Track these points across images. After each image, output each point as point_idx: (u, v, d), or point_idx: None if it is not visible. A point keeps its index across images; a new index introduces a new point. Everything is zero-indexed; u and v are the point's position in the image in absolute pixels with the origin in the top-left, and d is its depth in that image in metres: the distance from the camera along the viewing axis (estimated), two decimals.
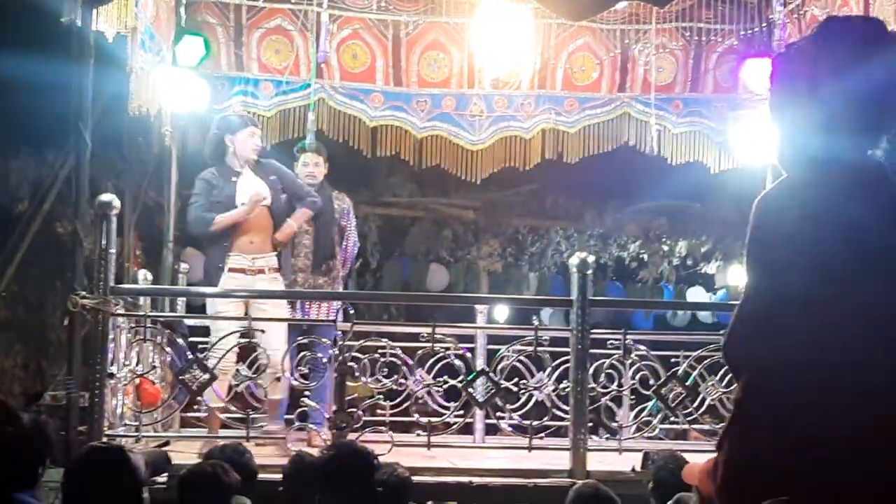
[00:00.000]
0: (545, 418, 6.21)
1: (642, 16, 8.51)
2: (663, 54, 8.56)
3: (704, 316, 14.17)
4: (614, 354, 6.23)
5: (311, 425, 6.46)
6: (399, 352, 6.15)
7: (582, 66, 8.64)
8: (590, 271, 6.01)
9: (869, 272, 2.06)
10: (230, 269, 6.73)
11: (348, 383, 6.11)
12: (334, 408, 5.95)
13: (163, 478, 4.91)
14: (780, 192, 2.19)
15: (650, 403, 6.83)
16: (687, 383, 6.18)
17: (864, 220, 2.08)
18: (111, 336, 5.90)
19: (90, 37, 6.08)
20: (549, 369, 6.27)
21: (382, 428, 6.25)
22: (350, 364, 5.98)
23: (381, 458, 4.74)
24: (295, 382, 6.25)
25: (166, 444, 6.53)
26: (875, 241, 2.07)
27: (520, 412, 6.54)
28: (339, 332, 6.07)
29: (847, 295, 2.04)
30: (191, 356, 6.08)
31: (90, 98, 6.06)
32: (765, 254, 2.16)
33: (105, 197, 5.88)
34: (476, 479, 5.79)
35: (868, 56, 2.07)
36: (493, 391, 6.15)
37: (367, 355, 6.18)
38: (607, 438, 6.52)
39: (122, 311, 6.07)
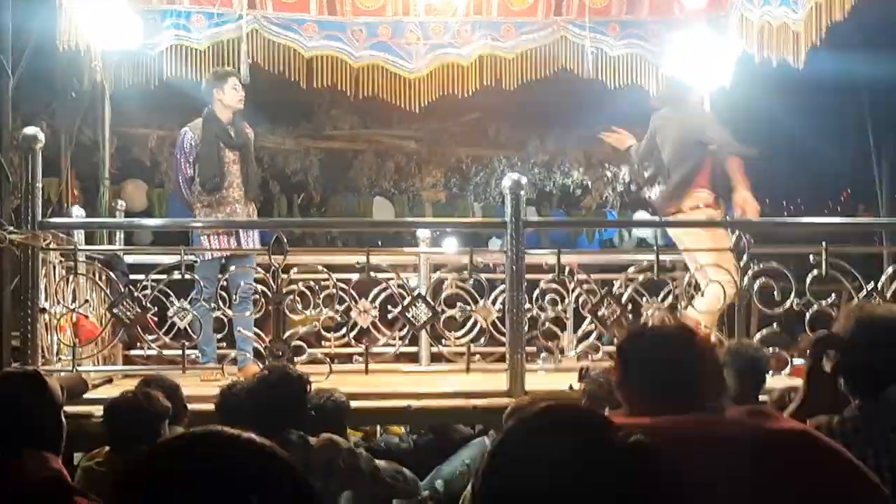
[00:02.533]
0: (482, 340, 6.27)
1: None
2: None
3: (651, 239, 14.20)
4: (549, 276, 6.27)
5: (240, 354, 6.51)
6: (331, 280, 6.15)
7: None
8: (523, 192, 6.00)
9: None
10: None
11: (291, 315, 6.12)
12: (270, 337, 5.96)
13: (98, 411, 4.88)
14: None
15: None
16: (623, 301, 6.23)
17: None
18: (43, 271, 5.84)
19: None
20: (490, 294, 6.32)
21: (320, 356, 6.27)
22: (286, 294, 5.98)
23: (321, 385, 4.74)
24: (230, 312, 6.27)
25: (109, 381, 6.52)
26: None
27: (463, 337, 6.61)
28: (275, 263, 6.03)
29: None
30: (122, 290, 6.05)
31: (10, 30, 5.93)
32: None
33: (29, 130, 5.78)
34: (415, 403, 5.84)
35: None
36: (430, 316, 6.16)
37: (305, 285, 6.19)
38: (543, 359, 6.59)
39: (52, 246, 6.01)
